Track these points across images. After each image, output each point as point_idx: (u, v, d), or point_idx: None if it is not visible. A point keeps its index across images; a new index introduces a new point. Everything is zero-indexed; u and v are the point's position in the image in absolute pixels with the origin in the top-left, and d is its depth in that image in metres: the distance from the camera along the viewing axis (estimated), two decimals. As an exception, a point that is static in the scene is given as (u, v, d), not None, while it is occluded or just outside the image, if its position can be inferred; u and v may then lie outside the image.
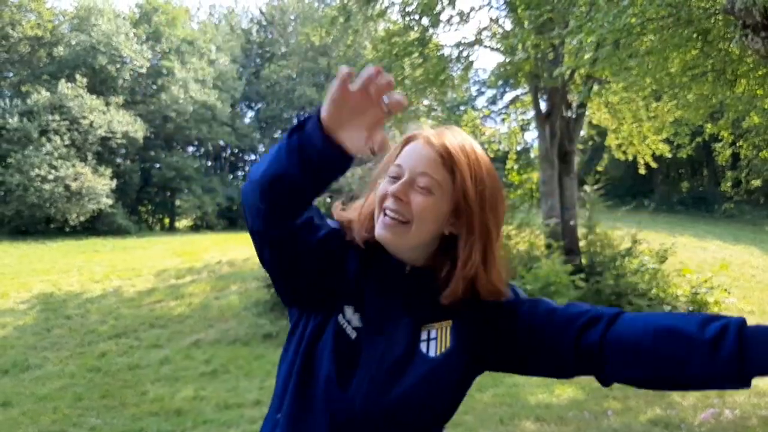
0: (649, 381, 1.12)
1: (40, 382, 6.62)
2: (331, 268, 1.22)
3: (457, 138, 1.20)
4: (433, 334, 1.19)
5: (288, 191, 1.05)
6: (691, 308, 9.32)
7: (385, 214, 1.17)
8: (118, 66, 23.60)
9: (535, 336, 1.18)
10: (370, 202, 1.25)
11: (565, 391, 6.11)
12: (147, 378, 6.77)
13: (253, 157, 33.18)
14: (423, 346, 1.19)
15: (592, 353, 1.13)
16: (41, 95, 20.74)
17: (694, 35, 5.35)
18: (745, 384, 1.02)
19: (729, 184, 10.15)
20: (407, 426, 1.16)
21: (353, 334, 1.19)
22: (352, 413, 1.14)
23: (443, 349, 1.18)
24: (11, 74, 24.45)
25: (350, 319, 1.20)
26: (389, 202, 1.17)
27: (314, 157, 0.99)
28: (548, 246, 10.32)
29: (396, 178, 1.18)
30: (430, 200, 1.16)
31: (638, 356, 1.09)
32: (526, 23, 7.98)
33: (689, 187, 30.62)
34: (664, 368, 1.07)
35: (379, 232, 1.17)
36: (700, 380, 1.06)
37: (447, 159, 1.16)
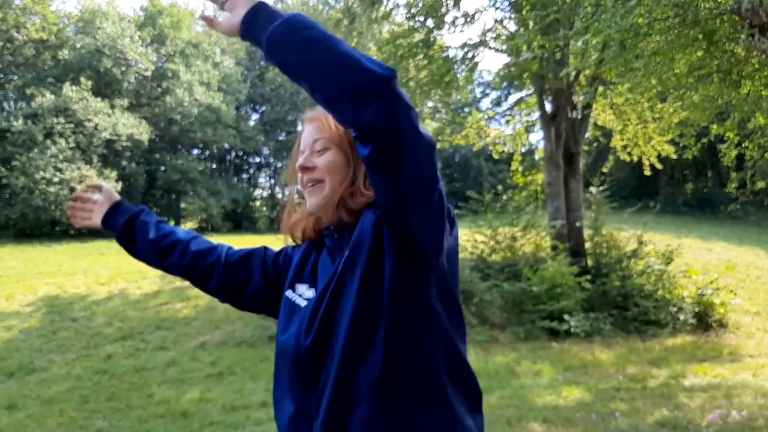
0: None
1: (45, 385, 6.62)
2: (275, 270, 1.53)
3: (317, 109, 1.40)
4: (340, 268, 1.28)
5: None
6: (697, 309, 9.30)
7: (306, 187, 1.36)
8: (123, 69, 23.65)
9: None
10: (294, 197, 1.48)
11: (572, 393, 6.10)
12: (153, 380, 6.76)
13: (257, 159, 33.23)
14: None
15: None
16: (46, 98, 20.79)
17: (700, 36, 5.33)
18: None
19: (734, 185, 10.11)
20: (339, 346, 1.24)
21: (303, 303, 1.36)
22: (291, 356, 1.30)
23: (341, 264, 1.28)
24: (16, 77, 24.53)
25: (302, 293, 1.39)
26: (303, 177, 1.36)
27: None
28: (554, 248, 10.32)
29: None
30: (329, 154, 1.34)
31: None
32: (531, 24, 7.97)
33: (694, 188, 30.56)
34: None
35: (308, 203, 1.36)
36: None
37: (324, 118, 1.36)
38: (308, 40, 1.12)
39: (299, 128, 1.43)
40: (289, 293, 1.42)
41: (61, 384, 6.65)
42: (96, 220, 1.75)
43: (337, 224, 1.35)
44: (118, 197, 1.74)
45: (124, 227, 1.69)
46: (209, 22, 1.25)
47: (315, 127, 1.38)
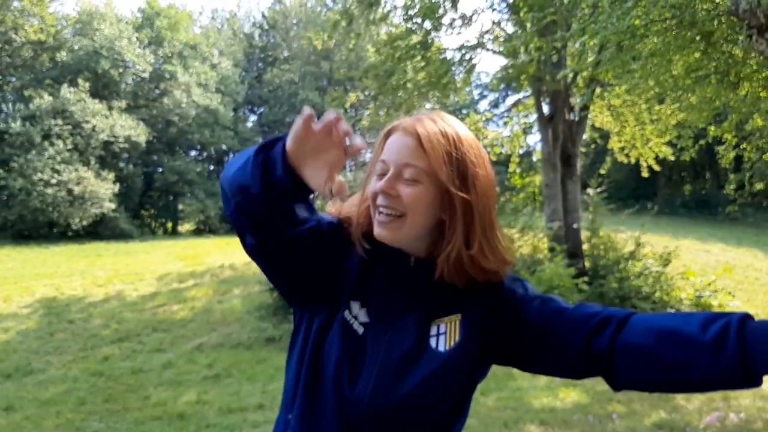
0: (657, 385, 1.12)
1: (42, 387, 6.60)
2: (330, 261, 1.22)
3: (437, 122, 1.20)
4: (442, 329, 1.19)
5: (250, 204, 1.09)
6: (695, 311, 9.31)
7: (380, 212, 1.17)
8: (121, 70, 23.63)
9: (544, 333, 1.18)
10: (364, 200, 1.25)
11: (570, 395, 6.09)
12: (150, 382, 6.75)
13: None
14: (432, 342, 1.18)
15: (602, 358, 1.12)
16: (44, 99, 20.78)
17: (698, 37, 5.34)
18: (754, 383, 1.00)
19: (732, 186, 10.10)
20: (418, 423, 1.15)
21: (360, 330, 1.19)
22: (361, 411, 1.13)
23: (452, 344, 1.18)
24: (14, 79, 24.51)
25: (357, 314, 1.20)
26: (380, 200, 1.17)
27: (275, 182, 1.04)
28: (551, 249, 10.31)
29: (382, 174, 1.18)
30: (419, 189, 1.16)
31: (644, 362, 1.08)
32: (528, 26, 7.98)
33: (692, 190, 30.59)
34: (670, 373, 1.06)
35: (378, 231, 1.18)
36: (705, 383, 1.05)
37: (425, 144, 1.16)
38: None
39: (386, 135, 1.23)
40: (346, 314, 1.21)
41: (58, 386, 6.63)
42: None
43: (425, 259, 1.23)
44: None
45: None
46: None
47: (409, 146, 1.17)
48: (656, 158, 12.65)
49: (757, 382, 1.00)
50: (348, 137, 1.01)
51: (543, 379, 6.78)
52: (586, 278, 9.47)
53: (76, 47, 23.30)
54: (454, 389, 1.17)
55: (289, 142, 1.02)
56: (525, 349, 1.21)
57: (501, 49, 11.02)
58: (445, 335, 1.18)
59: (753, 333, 1.00)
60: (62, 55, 23.36)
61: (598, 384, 6.67)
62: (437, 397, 1.14)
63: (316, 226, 1.18)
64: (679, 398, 6.06)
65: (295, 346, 1.26)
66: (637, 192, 26.07)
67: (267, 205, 1.07)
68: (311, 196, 1.12)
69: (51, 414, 5.70)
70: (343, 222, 1.27)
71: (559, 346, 1.16)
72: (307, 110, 0.99)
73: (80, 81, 21.94)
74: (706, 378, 1.03)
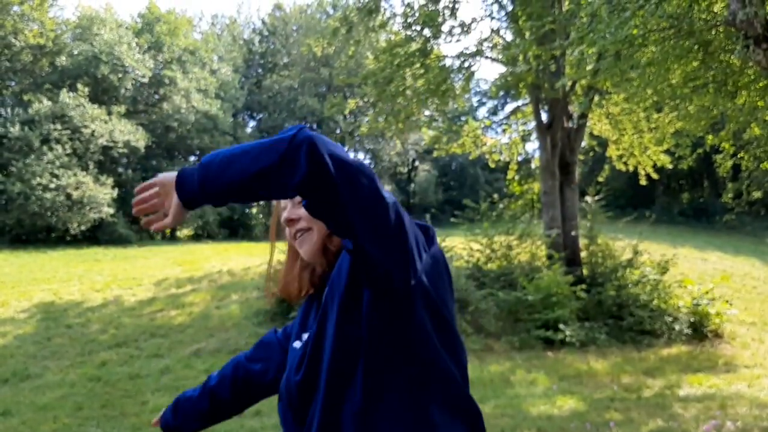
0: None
1: (40, 392, 6.59)
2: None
3: None
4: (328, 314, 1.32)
5: None
6: (692, 319, 9.31)
7: (296, 238, 1.40)
8: (120, 75, 23.62)
9: None
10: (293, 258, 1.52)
11: (567, 403, 6.10)
12: (147, 388, 6.74)
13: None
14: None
15: None
16: (43, 104, 20.76)
17: (695, 47, 5.37)
18: None
19: (730, 195, 10.15)
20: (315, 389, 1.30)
21: (298, 345, 1.43)
22: (282, 398, 1.40)
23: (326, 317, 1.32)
24: (13, 83, 24.49)
25: (303, 338, 1.42)
26: (290, 229, 1.41)
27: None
28: (549, 257, 10.33)
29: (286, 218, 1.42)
30: None
31: None
32: (527, 34, 8.02)
33: (690, 198, 30.65)
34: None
35: (302, 252, 1.41)
36: None
37: None
38: (223, 163, 1.15)
39: None
40: (296, 343, 1.46)
41: (56, 391, 6.62)
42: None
43: (329, 269, 1.39)
44: None
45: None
46: (154, 225, 1.30)
47: None
48: (654, 166, 12.69)
49: None
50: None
51: (540, 387, 6.80)
52: (583, 286, 9.49)
53: (75, 52, 23.31)
54: (330, 320, 1.28)
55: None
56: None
57: (500, 56, 11.07)
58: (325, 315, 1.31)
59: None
60: (62, 60, 23.36)
61: (596, 392, 6.68)
62: (322, 342, 1.29)
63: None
64: (677, 407, 6.08)
65: None
66: (636, 200, 26.10)
67: None
68: None
69: (48, 419, 5.69)
70: (287, 294, 1.52)
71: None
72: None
73: (79, 86, 21.94)
74: None
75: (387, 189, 1.28)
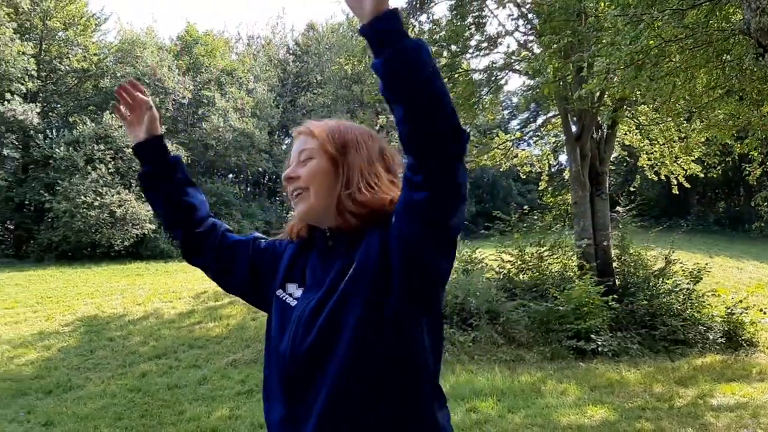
0: None
1: (81, 402, 6.79)
2: (261, 262, 1.55)
3: (321, 120, 1.49)
4: (349, 273, 1.32)
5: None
6: (726, 328, 9.18)
7: (293, 196, 1.43)
8: (162, 97, 24.33)
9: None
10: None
11: (598, 412, 6.09)
12: (185, 397, 6.90)
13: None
14: (340, 285, 1.32)
15: None
16: (87, 126, 21.49)
17: (714, 56, 5.40)
18: None
19: (760, 203, 9.99)
20: (328, 357, 1.27)
21: (293, 303, 1.41)
22: (284, 363, 1.34)
23: (346, 277, 1.31)
24: (59, 106, 25.43)
25: (292, 292, 1.44)
26: (289, 187, 1.43)
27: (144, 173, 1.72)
28: (581, 267, 10.30)
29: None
30: (313, 163, 1.40)
31: None
32: (552, 47, 8.10)
33: (725, 206, 29.99)
34: None
35: (296, 210, 1.43)
36: None
37: (309, 129, 1.44)
38: (433, 67, 1.13)
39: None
40: (279, 292, 1.45)
41: (97, 401, 6.82)
42: (140, 134, 1.70)
43: (335, 229, 1.39)
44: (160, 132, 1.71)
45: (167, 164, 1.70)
46: None
47: (301, 140, 1.44)
48: (686, 176, 12.56)
49: None
50: (141, 93, 1.68)
51: (571, 396, 6.78)
52: (615, 296, 9.43)
53: (118, 75, 24.12)
54: (354, 311, 1.26)
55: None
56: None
57: (527, 70, 11.14)
58: (346, 275, 1.31)
59: None
60: (105, 83, 24.18)
61: (628, 401, 6.65)
62: (340, 323, 1.27)
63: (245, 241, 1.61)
64: (709, 416, 6.02)
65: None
66: (670, 209, 25.68)
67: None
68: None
69: (89, 429, 5.87)
70: (289, 232, 1.54)
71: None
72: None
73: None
74: None
75: None
